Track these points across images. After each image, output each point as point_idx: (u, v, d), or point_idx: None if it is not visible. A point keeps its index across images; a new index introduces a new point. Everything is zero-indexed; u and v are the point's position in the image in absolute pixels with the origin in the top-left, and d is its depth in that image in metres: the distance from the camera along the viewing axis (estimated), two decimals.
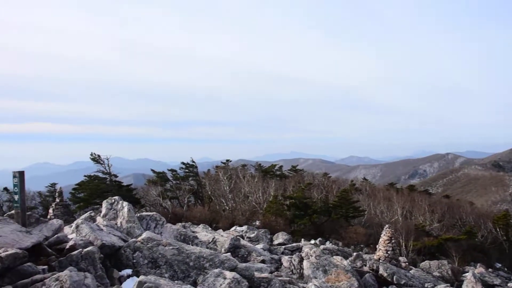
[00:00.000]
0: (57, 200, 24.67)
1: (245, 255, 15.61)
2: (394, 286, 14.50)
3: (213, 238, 16.35)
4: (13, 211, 13.14)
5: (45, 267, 8.39)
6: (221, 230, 22.87)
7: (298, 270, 14.46)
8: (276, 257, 16.54)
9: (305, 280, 13.38)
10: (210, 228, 22.38)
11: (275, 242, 23.34)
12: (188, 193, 36.19)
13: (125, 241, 12.12)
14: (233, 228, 24.76)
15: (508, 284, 19.74)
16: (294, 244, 21.07)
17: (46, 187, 39.44)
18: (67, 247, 10.06)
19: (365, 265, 16.13)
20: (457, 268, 21.42)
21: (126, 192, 32.34)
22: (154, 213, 17.07)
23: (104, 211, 15.56)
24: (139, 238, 11.45)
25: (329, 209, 30.86)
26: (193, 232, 18.23)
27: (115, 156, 36.57)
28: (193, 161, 40.50)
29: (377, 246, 18.28)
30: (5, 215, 13.66)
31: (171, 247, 11.06)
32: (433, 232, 34.24)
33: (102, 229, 12.51)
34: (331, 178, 55.58)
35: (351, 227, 29.48)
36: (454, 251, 25.93)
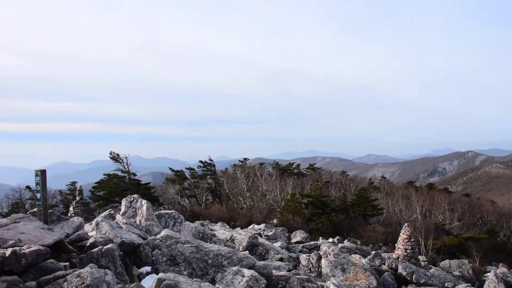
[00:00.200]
0: (77, 198, 25.00)
1: (263, 253, 15.63)
2: (414, 285, 14.33)
3: (231, 236, 16.40)
4: (35, 209, 13.39)
5: (67, 263, 8.53)
6: (239, 228, 22.92)
7: (316, 269, 14.43)
8: (294, 255, 16.53)
9: (323, 279, 13.35)
10: (228, 226, 22.46)
11: (293, 240, 23.31)
12: (206, 191, 36.35)
13: (144, 238, 12.24)
14: (250, 226, 24.80)
15: None
16: (312, 243, 21.03)
17: (67, 185, 40.00)
18: (88, 244, 10.21)
19: (384, 264, 16.00)
20: (478, 267, 21.06)
21: (145, 190, 32.62)
22: (172, 211, 17.20)
23: (123, 209, 15.74)
24: (158, 236, 11.56)
25: (347, 208, 30.68)
26: (211, 230, 18.31)
27: (133, 155, 36.94)
28: (211, 160, 40.63)
29: (396, 244, 18.11)
30: (28, 212, 13.93)
31: (189, 245, 11.13)
32: (453, 231, 33.77)
33: (121, 227, 12.66)
34: (349, 176, 55.25)
35: (369, 226, 29.26)
36: (475, 251, 25.52)
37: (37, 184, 12.70)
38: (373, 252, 17.63)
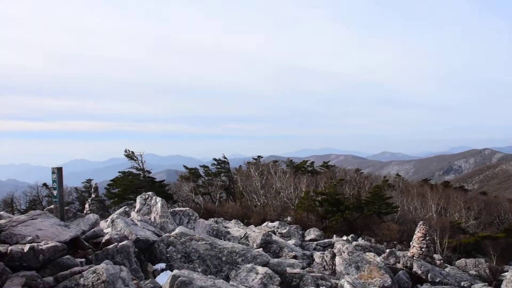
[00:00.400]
0: (93, 195, 25.29)
1: (277, 251, 15.63)
2: (429, 283, 14.19)
3: (245, 234, 16.44)
4: (52, 206, 13.58)
5: (83, 259, 8.63)
6: (252, 225, 22.96)
7: (330, 266, 14.38)
8: (308, 253, 16.50)
9: (338, 276, 13.30)
10: (242, 224, 22.50)
11: (307, 238, 23.27)
12: (220, 189, 36.46)
13: (158, 235, 12.33)
14: (264, 224, 24.81)
15: None
16: (326, 240, 20.96)
17: (82, 183, 40.47)
18: (103, 241, 10.32)
19: (399, 262, 15.88)
20: (496, 267, 20.78)
21: (159, 188, 32.84)
22: (187, 208, 17.29)
23: (138, 206, 15.87)
24: (173, 233, 11.63)
25: (361, 205, 30.51)
26: (225, 227, 18.37)
27: (148, 153, 37.21)
28: (225, 157, 40.72)
29: (410, 243, 17.96)
30: (45, 209, 14.13)
31: (204, 242, 11.18)
32: (469, 230, 33.37)
33: (136, 224, 12.76)
34: (363, 174, 54.95)
35: (384, 224, 29.07)
36: (492, 250, 25.17)
37: (53, 181, 12.87)
38: (387, 250, 17.50)
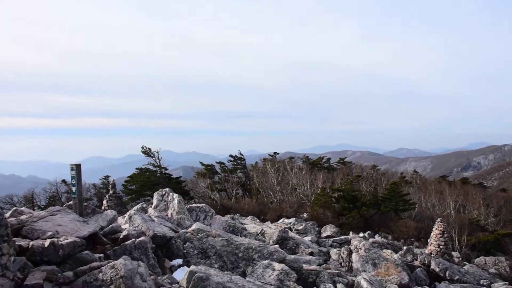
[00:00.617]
0: (111, 192, 25.52)
1: (293, 247, 15.63)
2: (447, 281, 14.02)
3: (261, 230, 16.46)
4: (71, 202, 13.77)
5: (101, 255, 8.76)
6: (269, 222, 22.98)
7: (347, 263, 14.33)
8: (324, 249, 16.45)
9: (354, 273, 13.24)
10: (258, 220, 22.53)
11: (323, 234, 23.20)
12: (236, 185, 36.52)
13: (175, 232, 12.43)
14: (281, 220, 24.81)
15: None
16: (342, 237, 20.88)
17: (100, 179, 40.86)
18: (121, 236, 10.44)
19: (416, 260, 15.74)
20: None
21: (176, 184, 33.03)
22: (203, 204, 17.39)
23: (155, 202, 16.01)
24: (189, 229, 11.71)
25: (378, 202, 30.28)
26: (242, 223, 18.42)
27: (164, 149, 37.44)
28: (241, 154, 40.75)
29: (428, 240, 17.76)
30: (64, 205, 14.33)
31: (220, 238, 11.23)
32: (489, 227, 32.86)
33: (153, 220, 12.88)
34: (380, 170, 54.52)
35: (401, 221, 28.81)
36: None
37: (72, 178, 13.06)
38: (405, 248, 17.36)
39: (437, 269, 14.38)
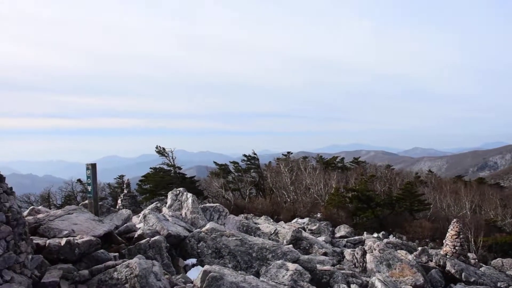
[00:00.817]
0: (125, 191, 25.69)
1: (307, 247, 15.59)
2: (463, 283, 13.84)
3: (275, 230, 16.46)
4: (86, 201, 13.93)
5: (116, 254, 8.84)
6: (282, 222, 22.95)
7: (361, 264, 14.25)
8: (338, 250, 16.40)
9: (368, 274, 13.17)
10: (271, 220, 22.53)
11: (337, 234, 23.11)
12: (250, 185, 36.55)
13: (189, 231, 12.49)
14: (294, 220, 24.77)
15: None
16: (356, 237, 20.77)
17: (115, 179, 41.18)
18: (136, 236, 10.53)
19: (431, 261, 15.58)
20: None
21: (190, 184, 33.16)
22: (217, 204, 17.44)
23: (169, 202, 16.10)
24: (203, 229, 11.76)
25: (392, 202, 30.06)
26: (255, 223, 18.43)
27: (178, 149, 37.63)
28: (255, 153, 40.75)
29: (443, 241, 17.55)
30: (80, 204, 14.50)
31: (234, 238, 11.26)
32: (506, 228, 32.39)
33: (168, 219, 12.96)
34: (394, 170, 54.08)
35: (415, 221, 28.55)
36: None
37: (88, 177, 13.20)
38: (419, 248, 17.20)
39: (453, 271, 14.21)
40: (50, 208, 22.14)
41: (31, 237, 7.33)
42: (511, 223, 34.17)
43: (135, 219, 14.19)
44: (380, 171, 48.51)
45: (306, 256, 11.94)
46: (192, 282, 8.32)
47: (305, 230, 21.28)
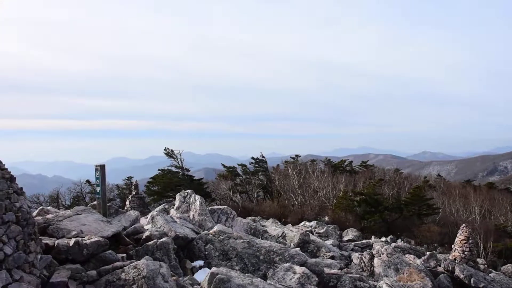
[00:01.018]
0: (133, 192, 25.80)
1: (314, 251, 15.55)
2: None
3: (282, 233, 16.44)
4: (95, 202, 14.00)
5: (124, 255, 8.89)
6: (290, 225, 22.92)
7: (369, 268, 14.18)
8: (345, 253, 16.33)
9: (376, 278, 13.10)
10: (279, 223, 22.50)
11: (345, 238, 23.03)
12: (257, 187, 36.53)
13: (197, 233, 12.51)
14: (302, 223, 24.72)
15: None
16: (364, 241, 20.68)
17: (123, 180, 41.32)
18: (143, 237, 10.57)
19: (440, 265, 15.45)
20: None
21: (198, 186, 33.23)
22: (225, 206, 17.45)
23: (177, 203, 16.14)
24: (211, 231, 11.77)
25: (401, 206, 29.91)
26: (263, 226, 18.42)
27: (186, 151, 37.71)
28: (263, 156, 40.73)
29: (452, 246, 17.39)
30: (89, 205, 14.58)
31: (241, 240, 11.26)
32: None
33: (175, 221, 12.99)
34: (402, 174, 53.80)
35: (424, 225, 28.38)
36: None
37: (96, 178, 13.28)
38: (428, 253, 17.08)
39: (462, 276, 14.08)
40: (59, 209, 22.29)
41: (40, 237, 7.39)
42: None
43: (143, 221, 14.24)
44: (389, 175, 48.29)
45: (314, 260, 11.91)
46: (199, 284, 8.33)
47: (312, 233, 21.23)
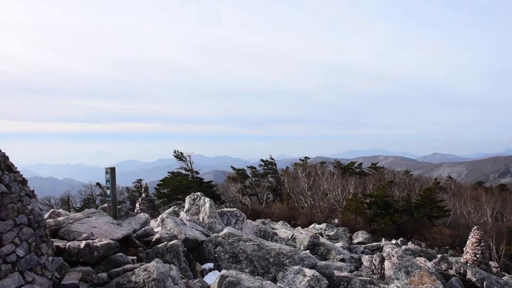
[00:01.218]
0: (143, 195, 25.89)
1: (324, 253, 15.50)
2: None
3: (292, 235, 16.40)
4: (105, 205, 14.08)
5: (134, 257, 8.92)
6: (299, 227, 22.87)
7: (379, 270, 14.10)
8: (356, 256, 16.25)
9: (386, 281, 13.03)
10: (289, 225, 22.47)
11: (355, 240, 22.93)
12: (267, 190, 36.50)
13: (207, 235, 12.53)
14: (311, 226, 24.67)
15: None
16: (374, 244, 20.58)
17: (133, 182, 41.53)
18: (153, 239, 10.60)
19: (451, 268, 15.32)
20: None
21: (207, 188, 33.28)
22: (234, 209, 17.47)
23: (187, 206, 16.18)
24: (221, 233, 11.78)
25: (411, 208, 29.71)
26: (273, 228, 18.40)
27: (195, 154, 37.82)
28: (272, 158, 40.70)
29: (464, 248, 17.23)
30: (99, 208, 14.66)
31: (251, 243, 11.25)
32: None
33: (185, 224, 13.03)
34: (413, 176, 53.47)
35: (435, 228, 28.17)
36: None
37: (107, 181, 13.35)
38: (439, 256, 16.93)
39: (474, 279, 13.95)
40: (69, 211, 22.47)
41: (51, 239, 7.44)
42: None
43: (153, 223, 14.29)
44: (399, 177, 48.02)
45: (324, 262, 11.87)
46: (209, 287, 8.34)
47: (322, 236, 21.17)
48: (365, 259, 15.10)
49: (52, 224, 8.95)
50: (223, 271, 8.10)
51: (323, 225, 24.34)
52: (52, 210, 11.20)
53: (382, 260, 14.40)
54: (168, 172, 36.41)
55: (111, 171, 13.28)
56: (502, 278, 15.86)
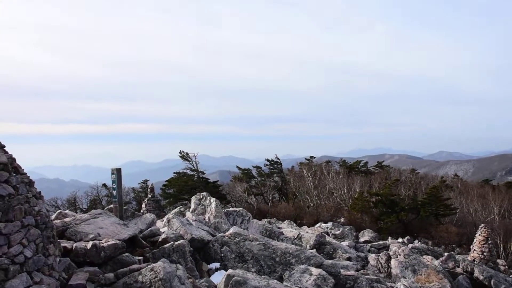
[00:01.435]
0: (149, 195, 25.97)
1: (331, 252, 15.49)
2: None
3: (298, 234, 16.41)
4: (111, 205, 14.14)
5: (141, 257, 8.96)
6: (305, 226, 22.87)
7: (386, 269, 14.07)
8: (362, 255, 16.23)
9: (393, 280, 13.00)
10: (295, 224, 22.47)
11: (361, 239, 22.90)
12: (272, 189, 36.50)
13: (213, 235, 12.55)
14: (317, 225, 24.65)
15: None
16: (380, 242, 20.55)
17: (139, 183, 41.63)
18: (160, 240, 10.63)
19: (458, 266, 15.27)
20: None
21: (213, 188, 33.32)
22: (240, 208, 17.49)
23: (193, 206, 16.21)
24: (227, 233, 11.80)
25: (417, 207, 29.59)
26: (279, 228, 18.41)
27: (201, 154, 37.90)
28: (278, 158, 40.69)
29: (471, 246, 17.16)
30: (106, 208, 14.73)
31: (257, 242, 11.26)
32: None
33: (191, 224, 13.06)
34: (419, 174, 53.27)
35: (441, 226, 28.05)
36: None
37: (113, 182, 13.39)
38: (446, 254, 16.88)
39: (481, 277, 13.89)
40: (76, 212, 22.57)
41: (58, 240, 7.48)
42: None
43: (159, 223, 14.33)
44: (405, 175, 47.85)
45: (330, 261, 11.87)
46: (215, 286, 8.36)
47: (328, 235, 21.16)
48: (372, 257, 15.08)
49: (59, 225, 9.00)
50: (230, 271, 8.12)
51: (329, 224, 24.33)
52: (59, 211, 11.27)
53: (389, 258, 14.37)
54: (174, 173, 36.50)
55: (117, 172, 13.32)
56: (510, 276, 15.80)
